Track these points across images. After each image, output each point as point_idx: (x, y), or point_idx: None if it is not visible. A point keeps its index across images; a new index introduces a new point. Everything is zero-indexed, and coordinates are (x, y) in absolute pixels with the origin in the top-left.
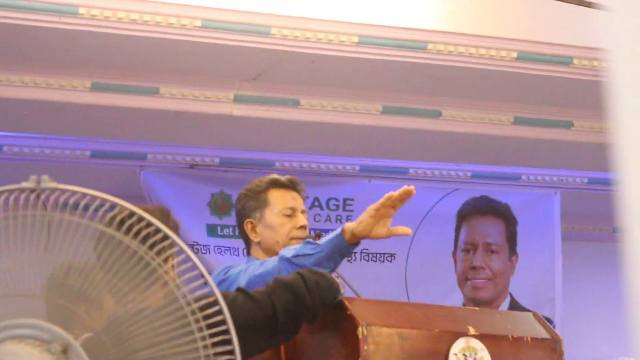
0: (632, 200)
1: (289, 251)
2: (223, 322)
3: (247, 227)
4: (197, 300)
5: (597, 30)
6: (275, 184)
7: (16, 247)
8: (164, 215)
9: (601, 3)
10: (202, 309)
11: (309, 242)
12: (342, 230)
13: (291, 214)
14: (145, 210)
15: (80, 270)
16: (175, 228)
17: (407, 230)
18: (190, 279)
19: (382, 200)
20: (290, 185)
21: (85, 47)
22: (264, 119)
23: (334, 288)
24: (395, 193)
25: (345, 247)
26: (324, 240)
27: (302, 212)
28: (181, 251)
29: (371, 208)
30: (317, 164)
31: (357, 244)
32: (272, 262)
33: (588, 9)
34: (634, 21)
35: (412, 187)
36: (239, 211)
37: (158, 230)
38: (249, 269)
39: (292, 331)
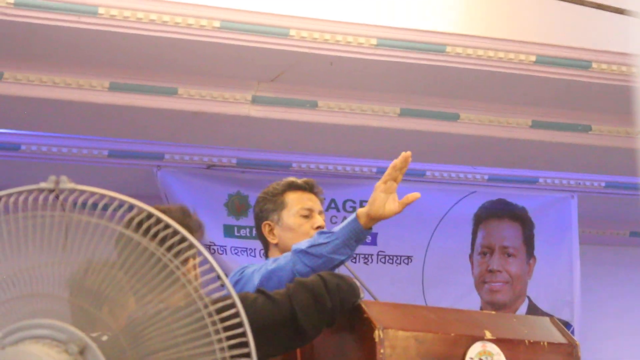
0: None
1: (302, 243)
2: (240, 324)
3: (265, 230)
4: (214, 302)
5: (616, 34)
6: (292, 186)
7: (34, 247)
8: (185, 214)
9: (622, 7)
10: (219, 311)
11: (322, 232)
12: (357, 216)
13: (308, 214)
14: (166, 210)
15: (98, 270)
16: (198, 228)
17: (415, 195)
18: (208, 280)
19: (387, 171)
20: (307, 187)
21: (104, 47)
22: (281, 120)
23: (354, 291)
24: (397, 161)
25: (361, 232)
26: (338, 227)
27: (320, 213)
28: (200, 252)
29: (378, 184)
30: (334, 165)
31: (370, 229)
32: (284, 257)
33: (607, 13)
34: None
35: (408, 153)
36: (256, 214)
37: (177, 232)
38: (263, 267)
39: (312, 333)
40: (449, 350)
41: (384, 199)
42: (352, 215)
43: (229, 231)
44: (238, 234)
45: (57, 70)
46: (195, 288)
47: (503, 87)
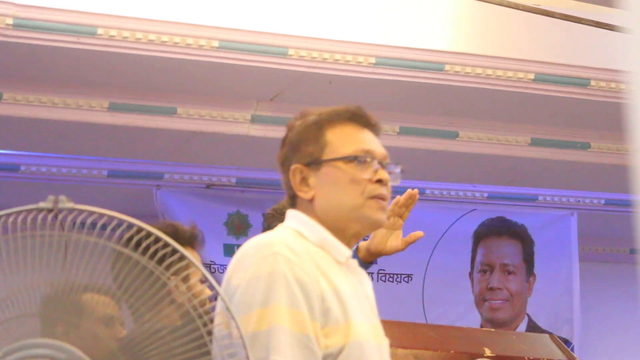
0: None
1: None
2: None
3: None
4: (213, 320)
5: (615, 52)
6: None
7: (33, 267)
8: (176, 230)
9: (619, 25)
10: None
11: None
12: (357, 249)
13: None
14: (155, 226)
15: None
16: (194, 239)
17: (419, 233)
18: (208, 298)
19: (390, 207)
20: None
21: (103, 67)
22: (281, 139)
23: None
24: (401, 198)
25: (361, 265)
26: None
27: None
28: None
29: None
30: None
31: (372, 262)
32: None
33: (605, 31)
34: None
35: (415, 191)
36: (264, 231)
37: (175, 250)
38: None
39: None
40: None
41: (385, 235)
42: (353, 248)
43: (229, 250)
44: None
45: (56, 90)
46: (194, 306)
47: (502, 105)
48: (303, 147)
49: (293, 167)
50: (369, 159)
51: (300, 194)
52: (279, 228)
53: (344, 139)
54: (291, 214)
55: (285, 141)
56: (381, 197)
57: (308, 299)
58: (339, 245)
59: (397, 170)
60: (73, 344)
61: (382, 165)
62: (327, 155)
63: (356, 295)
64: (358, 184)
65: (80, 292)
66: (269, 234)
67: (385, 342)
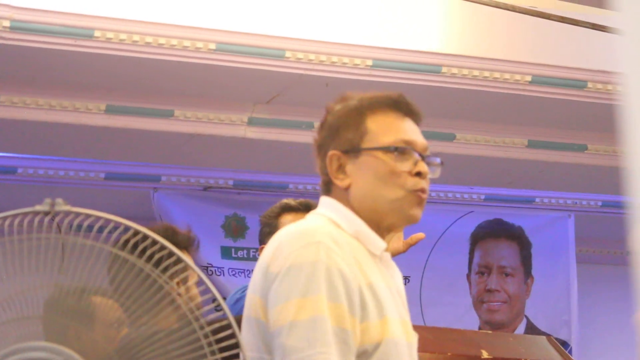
0: None
1: None
2: (236, 345)
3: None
4: (210, 323)
5: (611, 53)
6: (286, 209)
7: (30, 269)
8: (173, 233)
9: (614, 27)
10: (215, 332)
11: None
12: None
13: None
14: (152, 229)
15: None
16: (190, 244)
17: (420, 235)
18: (204, 301)
19: None
20: (302, 208)
21: (100, 69)
22: (278, 141)
23: None
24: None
25: None
26: None
27: None
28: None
29: None
30: None
31: None
32: None
33: (602, 33)
34: None
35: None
36: (259, 237)
37: (172, 253)
38: None
39: None
40: None
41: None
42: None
43: (226, 253)
44: (235, 256)
45: (53, 93)
46: (191, 309)
47: (499, 107)
48: (342, 133)
49: (330, 153)
50: (409, 150)
51: (337, 182)
52: (313, 215)
53: (384, 128)
54: (325, 202)
55: (323, 125)
56: (421, 191)
57: (348, 292)
58: (375, 238)
59: (438, 160)
60: (73, 347)
61: (422, 156)
62: (366, 144)
63: (389, 290)
64: (398, 176)
65: (90, 295)
66: (307, 221)
67: (414, 338)
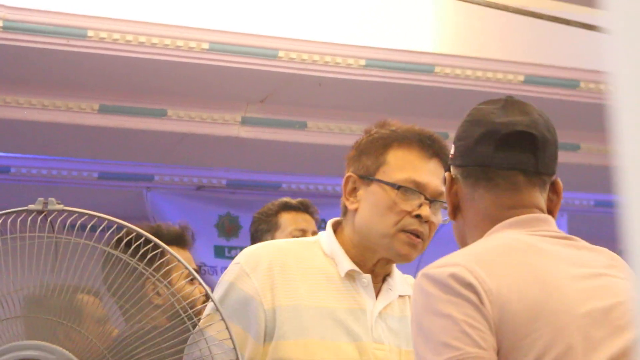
0: (635, 223)
1: None
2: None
3: None
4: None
5: (603, 53)
6: (286, 207)
7: (23, 269)
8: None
9: (605, 26)
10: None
11: None
12: None
13: (301, 235)
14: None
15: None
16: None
17: None
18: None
19: None
20: (302, 208)
21: (93, 69)
22: (271, 141)
23: None
24: None
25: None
26: None
27: (313, 233)
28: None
29: None
30: (323, 185)
31: None
32: None
33: (594, 33)
34: (637, 45)
35: None
36: (252, 234)
37: (164, 251)
38: None
39: None
40: None
41: None
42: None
43: (219, 252)
44: (229, 255)
45: (46, 93)
46: (184, 308)
47: None
48: (364, 158)
49: (348, 174)
50: (413, 192)
51: (346, 203)
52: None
53: (401, 164)
54: (329, 223)
55: (355, 145)
56: (414, 233)
57: (247, 312)
58: (343, 260)
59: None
60: (64, 346)
61: (430, 201)
62: (379, 175)
63: (350, 313)
64: (396, 214)
65: (72, 294)
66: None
67: None
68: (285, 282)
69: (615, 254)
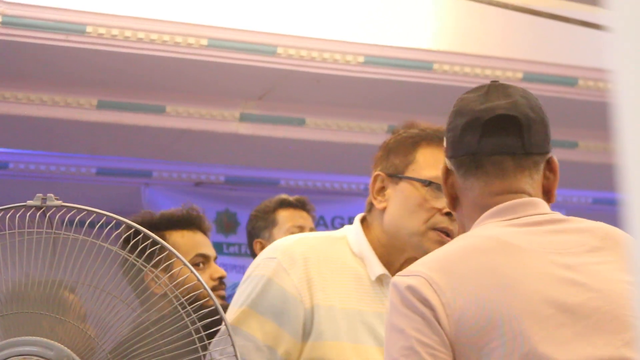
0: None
1: None
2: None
3: (257, 247)
4: (197, 311)
5: (602, 51)
6: (284, 204)
7: (21, 265)
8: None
9: (605, 24)
10: (201, 319)
11: None
12: None
13: (298, 232)
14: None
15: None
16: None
17: None
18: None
19: None
20: (299, 205)
21: (92, 65)
22: (269, 137)
23: None
24: None
25: None
26: None
27: (311, 230)
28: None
29: None
30: (322, 182)
31: None
32: None
33: (593, 30)
34: (638, 42)
35: None
36: (249, 231)
37: (164, 247)
38: None
39: None
40: None
41: None
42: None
43: (217, 248)
44: (227, 251)
45: (45, 88)
46: (182, 304)
47: None
48: (392, 157)
49: (376, 173)
50: None
51: (375, 202)
52: (341, 230)
53: (431, 162)
54: (355, 219)
55: (383, 145)
56: (444, 231)
57: (285, 310)
58: (373, 263)
59: None
60: (59, 340)
61: None
62: (409, 172)
63: (378, 316)
64: (426, 211)
65: (58, 289)
66: (300, 235)
67: None
68: (320, 281)
69: (609, 231)
